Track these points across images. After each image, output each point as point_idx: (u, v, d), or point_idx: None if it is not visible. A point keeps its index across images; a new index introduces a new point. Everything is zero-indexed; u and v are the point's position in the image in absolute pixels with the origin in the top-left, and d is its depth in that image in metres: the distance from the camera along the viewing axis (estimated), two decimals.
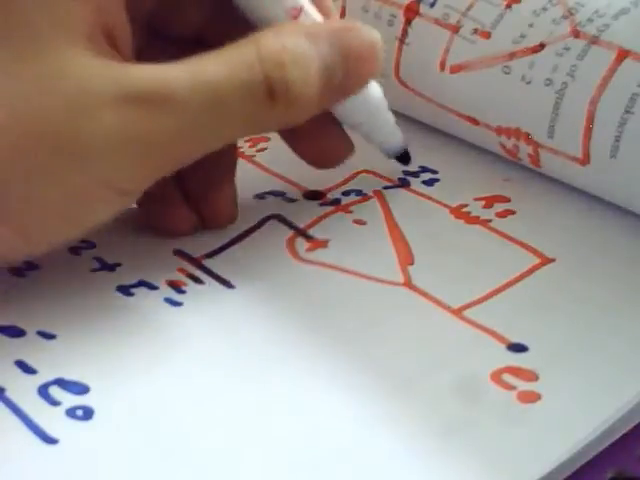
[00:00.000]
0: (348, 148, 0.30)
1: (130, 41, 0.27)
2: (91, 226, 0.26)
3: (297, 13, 0.27)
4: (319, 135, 0.29)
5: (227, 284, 0.28)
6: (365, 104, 0.29)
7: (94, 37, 0.25)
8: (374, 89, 0.29)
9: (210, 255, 0.29)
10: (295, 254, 0.29)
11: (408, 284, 0.28)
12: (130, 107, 0.24)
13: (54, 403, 0.24)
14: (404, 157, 0.31)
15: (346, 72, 0.27)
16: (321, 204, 0.31)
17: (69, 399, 0.24)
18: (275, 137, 0.34)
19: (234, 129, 0.26)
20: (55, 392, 0.24)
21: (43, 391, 0.24)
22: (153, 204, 0.29)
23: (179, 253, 0.29)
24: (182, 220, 0.29)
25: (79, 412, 0.24)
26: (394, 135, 0.31)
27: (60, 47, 0.24)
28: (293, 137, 0.30)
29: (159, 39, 0.29)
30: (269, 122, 0.27)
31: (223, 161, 0.29)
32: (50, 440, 0.23)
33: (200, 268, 0.28)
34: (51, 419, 0.23)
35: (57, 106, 0.24)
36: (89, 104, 0.24)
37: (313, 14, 0.28)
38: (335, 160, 0.30)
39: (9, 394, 0.24)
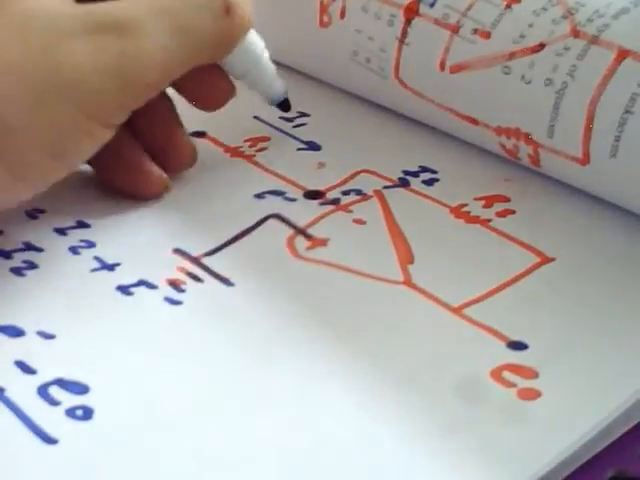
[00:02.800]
0: (230, 91, 0.32)
1: None
2: (76, 162, 0.28)
3: None
4: (203, 78, 0.31)
5: (226, 282, 0.28)
6: (248, 54, 0.31)
7: None
8: (256, 41, 0.32)
9: (209, 253, 0.29)
10: (295, 252, 0.29)
11: (408, 283, 0.28)
12: (98, 36, 0.27)
13: (54, 403, 0.24)
14: (284, 105, 0.33)
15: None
16: (321, 203, 0.31)
17: (69, 399, 0.24)
18: (275, 137, 0.34)
19: (196, 47, 0.29)
20: (55, 392, 0.24)
21: (43, 391, 0.24)
22: (125, 173, 0.31)
23: (178, 252, 0.29)
24: (155, 183, 0.31)
25: (79, 412, 0.24)
26: (275, 84, 0.33)
27: None
28: (181, 81, 0.31)
29: None
30: (226, 35, 0.30)
31: (165, 108, 0.31)
32: (50, 440, 0.23)
33: (199, 266, 0.28)
34: (51, 419, 0.23)
35: (32, 45, 0.26)
36: (61, 39, 0.27)
37: None
38: (216, 102, 0.32)
39: (9, 394, 0.24)
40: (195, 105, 0.32)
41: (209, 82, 0.31)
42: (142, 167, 0.31)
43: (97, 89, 0.27)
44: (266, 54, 0.32)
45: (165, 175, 0.31)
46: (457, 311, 0.27)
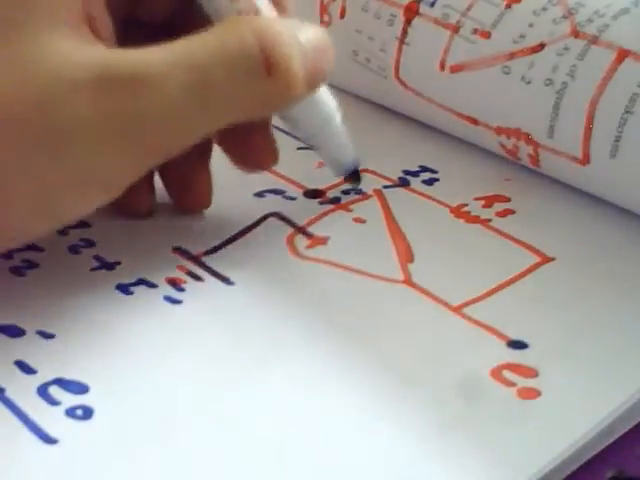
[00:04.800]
0: (273, 159, 0.29)
1: (111, 30, 0.26)
2: (68, 221, 0.26)
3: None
4: (250, 140, 0.28)
5: (226, 281, 0.28)
6: (316, 113, 0.28)
7: (77, 25, 0.24)
8: (326, 100, 0.28)
9: (209, 252, 0.29)
10: (295, 251, 0.29)
11: (408, 282, 0.28)
12: (106, 92, 0.23)
13: (54, 403, 0.24)
14: (355, 176, 0.30)
15: (313, 61, 0.26)
16: (321, 202, 0.31)
17: (69, 399, 0.24)
18: (275, 136, 0.34)
19: (223, 110, 0.25)
20: (55, 392, 0.24)
21: (43, 391, 0.24)
22: None
23: (178, 250, 0.29)
24: (140, 205, 0.29)
25: (79, 412, 0.24)
26: (344, 152, 0.29)
27: (39, 34, 0.24)
28: (226, 137, 0.28)
29: (134, 30, 0.28)
30: (267, 98, 0.25)
31: (199, 146, 0.27)
32: (50, 440, 0.23)
33: (199, 265, 0.28)
34: (51, 419, 0.23)
35: (28, 93, 0.23)
36: (62, 91, 0.23)
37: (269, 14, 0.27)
38: (258, 167, 0.29)
39: (9, 394, 0.24)
40: (236, 165, 0.29)
41: (249, 143, 0.28)
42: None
43: (95, 153, 0.24)
44: (338, 117, 0.28)
45: (153, 200, 0.29)
46: (457, 310, 0.27)
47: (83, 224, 0.30)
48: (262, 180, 0.32)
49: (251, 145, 0.28)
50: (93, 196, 0.25)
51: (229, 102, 0.25)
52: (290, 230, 0.30)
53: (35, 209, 0.24)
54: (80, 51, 0.24)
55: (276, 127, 0.35)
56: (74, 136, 0.23)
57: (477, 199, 0.31)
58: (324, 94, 0.28)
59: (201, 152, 0.29)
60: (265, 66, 0.24)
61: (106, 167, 0.24)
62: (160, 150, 0.25)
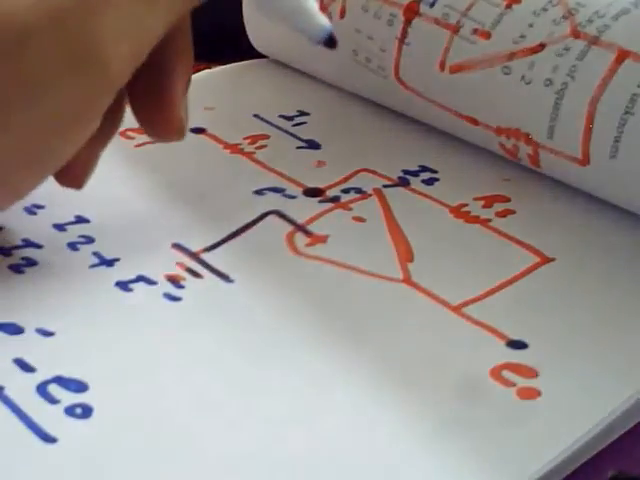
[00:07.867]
0: (176, 129, 0.29)
1: None
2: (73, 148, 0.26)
3: None
4: (156, 103, 0.28)
5: (226, 278, 0.28)
6: None
7: None
8: None
9: (209, 249, 0.29)
10: (294, 249, 0.29)
11: (407, 281, 0.28)
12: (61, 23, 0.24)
13: (53, 401, 0.24)
14: (330, 42, 0.29)
15: None
16: (320, 201, 0.31)
17: (68, 397, 0.24)
18: (274, 135, 0.34)
19: (167, 6, 0.25)
20: (54, 390, 0.24)
21: (42, 389, 0.24)
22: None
23: (178, 247, 0.29)
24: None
25: (78, 410, 0.24)
26: (319, 21, 0.29)
27: None
28: (137, 101, 0.28)
29: None
30: None
31: (168, 66, 0.28)
32: (49, 439, 0.23)
33: (199, 262, 0.28)
34: (50, 417, 0.23)
35: None
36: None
37: None
38: (158, 134, 0.29)
39: (8, 392, 0.24)
40: (144, 130, 0.29)
41: (160, 111, 0.28)
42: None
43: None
44: None
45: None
46: (457, 310, 0.27)
47: (82, 220, 0.30)
48: (262, 178, 0.32)
49: (159, 111, 0.28)
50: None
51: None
52: (290, 228, 0.30)
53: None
54: None
55: (276, 126, 0.35)
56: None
57: (477, 199, 0.31)
58: None
59: (169, 73, 0.28)
60: None
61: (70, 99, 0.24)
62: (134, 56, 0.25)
